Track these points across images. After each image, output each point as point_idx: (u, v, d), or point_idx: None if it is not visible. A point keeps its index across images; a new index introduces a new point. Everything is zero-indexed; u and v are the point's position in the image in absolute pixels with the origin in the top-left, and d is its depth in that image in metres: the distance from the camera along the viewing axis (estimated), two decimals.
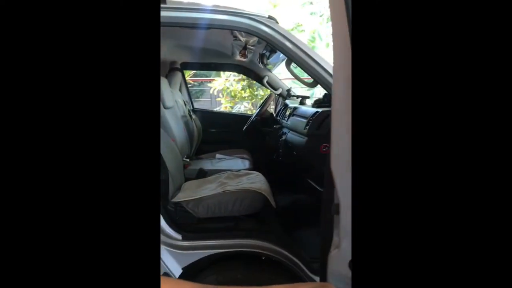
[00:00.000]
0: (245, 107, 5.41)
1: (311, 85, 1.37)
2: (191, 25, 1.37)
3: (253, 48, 2.05)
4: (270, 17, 1.35)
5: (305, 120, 1.61)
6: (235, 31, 1.72)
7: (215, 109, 5.44)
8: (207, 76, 6.93)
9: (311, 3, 8.66)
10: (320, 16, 8.73)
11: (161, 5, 1.25)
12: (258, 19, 1.31)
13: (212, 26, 1.35)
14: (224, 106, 5.45)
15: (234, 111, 5.18)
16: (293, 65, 1.43)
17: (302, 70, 1.34)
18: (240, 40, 1.84)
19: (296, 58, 1.30)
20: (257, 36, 1.36)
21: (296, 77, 1.51)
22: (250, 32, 1.33)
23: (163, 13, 1.26)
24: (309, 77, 1.34)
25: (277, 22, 1.37)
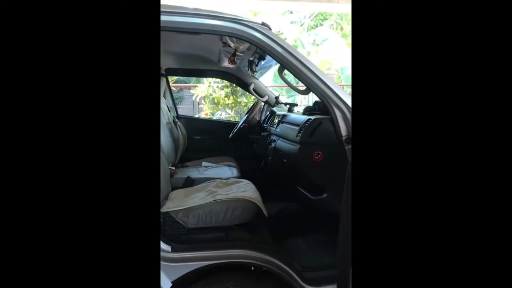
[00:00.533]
0: (227, 114, 5.39)
1: (304, 93, 1.36)
2: (182, 30, 1.33)
3: (242, 55, 2.03)
4: (263, 24, 1.34)
5: (297, 128, 1.60)
6: (225, 37, 1.70)
7: (198, 116, 5.39)
8: (186, 83, 6.87)
9: (291, 12, 8.82)
10: (301, 25, 8.90)
11: None
12: (252, 25, 1.29)
13: (203, 31, 1.32)
14: (204, 113, 5.40)
15: (214, 117, 5.14)
16: (285, 72, 1.42)
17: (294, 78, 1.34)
18: (229, 46, 1.82)
19: (290, 65, 1.29)
20: (250, 43, 1.34)
21: (289, 84, 1.50)
22: (243, 38, 1.31)
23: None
24: (302, 84, 1.33)
25: (270, 29, 1.36)
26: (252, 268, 1.39)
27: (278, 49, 1.29)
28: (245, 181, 1.74)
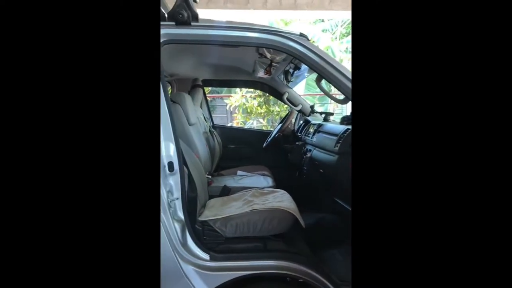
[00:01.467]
0: (259, 123, 5.42)
1: (343, 102, 1.35)
2: (222, 43, 1.37)
3: (277, 65, 2.05)
4: (301, 34, 1.35)
5: (335, 138, 1.58)
6: (262, 49, 1.72)
7: (230, 124, 5.47)
8: (219, 93, 7.01)
9: (323, 20, 8.79)
10: (333, 33, 8.84)
11: (192, 23, 1.26)
12: (289, 36, 1.30)
13: (242, 43, 1.35)
14: (236, 121, 5.47)
15: (246, 126, 5.19)
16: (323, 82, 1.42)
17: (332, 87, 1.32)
18: (266, 57, 1.84)
19: (328, 75, 1.28)
20: (287, 54, 1.35)
21: (327, 94, 1.49)
22: (280, 49, 1.32)
23: (194, 31, 1.27)
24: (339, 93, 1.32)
25: (308, 39, 1.37)
26: (288, 279, 1.38)
27: (316, 59, 1.29)
28: (281, 191, 1.74)
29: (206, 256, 1.33)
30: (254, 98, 5.15)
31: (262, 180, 2.19)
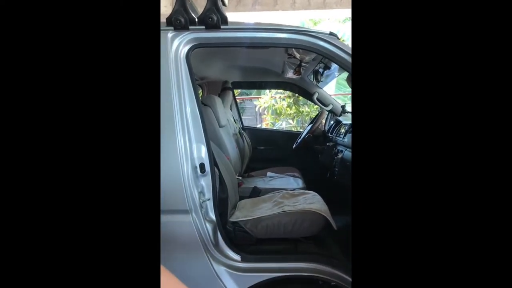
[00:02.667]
0: (289, 124, 5.39)
1: None
2: (251, 45, 1.38)
3: (307, 65, 2.03)
4: (331, 33, 1.32)
5: None
6: (291, 49, 1.72)
7: (259, 126, 5.49)
8: (248, 94, 7.05)
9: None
10: None
11: (222, 26, 1.28)
12: (319, 36, 1.29)
13: (271, 44, 1.35)
14: (265, 123, 5.48)
15: (275, 127, 5.18)
16: None
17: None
18: (295, 57, 1.83)
19: None
20: (317, 53, 1.33)
21: None
22: (310, 49, 1.31)
23: (224, 34, 1.28)
24: None
25: (338, 38, 1.34)
26: (320, 282, 1.36)
27: (347, 58, 1.26)
28: (312, 192, 1.72)
29: (237, 257, 1.34)
30: (284, 99, 5.12)
31: (292, 182, 2.17)
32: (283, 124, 5.41)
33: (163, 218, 1.26)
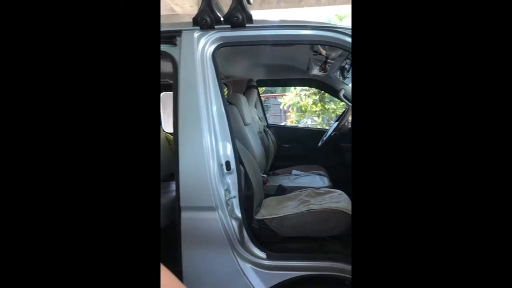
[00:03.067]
0: (314, 122, 5.33)
1: None
2: (276, 42, 1.37)
3: (333, 62, 2.00)
4: None
5: None
6: (317, 46, 1.69)
7: (284, 123, 5.46)
8: (272, 92, 7.04)
9: None
10: None
11: (247, 25, 1.28)
12: (345, 32, 1.26)
13: (297, 42, 1.34)
14: (290, 120, 5.44)
15: (300, 125, 5.13)
16: None
17: None
18: (321, 54, 1.81)
19: None
20: (344, 49, 1.31)
21: None
22: (336, 45, 1.29)
23: (249, 32, 1.28)
24: None
25: None
26: (347, 282, 1.33)
27: None
28: (338, 191, 1.69)
29: (263, 254, 1.34)
30: (309, 96, 5.07)
31: (318, 180, 2.15)
32: (308, 122, 5.36)
33: (190, 214, 1.30)
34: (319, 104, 5.00)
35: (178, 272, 1.31)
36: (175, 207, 1.29)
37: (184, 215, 1.28)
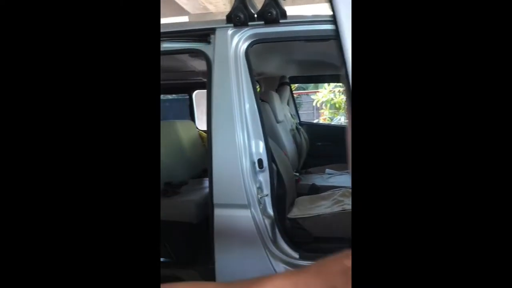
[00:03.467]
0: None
1: None
2: (310, 38, 1.34)
3: None
4: None
5: None
6: None
7: (317, 121, 5.37)
8: (304, 89, 6.95)
9: None
10: None
11: (281, 20, 1.26)
12: None
13: (331, 37, 1.30)
14: (323, 118, 5.34)
15: (333, 123, 5.02)
16: None
17: None
18: None
19: None
20: None
21: None
22: None
23: (283, 28, 1.26)
24: None
25: None
26: None
27: None
28: None
29: (295, 254, 1.32)
30: (343, 93, 4.95)
31: None
32: (342, 119, 5.24)
33: (222, 211, 1.31)
34: None
35: (210, 268, 1.32)
36: (208, 204, 1.30)
37: (217, 212, 1.29)
